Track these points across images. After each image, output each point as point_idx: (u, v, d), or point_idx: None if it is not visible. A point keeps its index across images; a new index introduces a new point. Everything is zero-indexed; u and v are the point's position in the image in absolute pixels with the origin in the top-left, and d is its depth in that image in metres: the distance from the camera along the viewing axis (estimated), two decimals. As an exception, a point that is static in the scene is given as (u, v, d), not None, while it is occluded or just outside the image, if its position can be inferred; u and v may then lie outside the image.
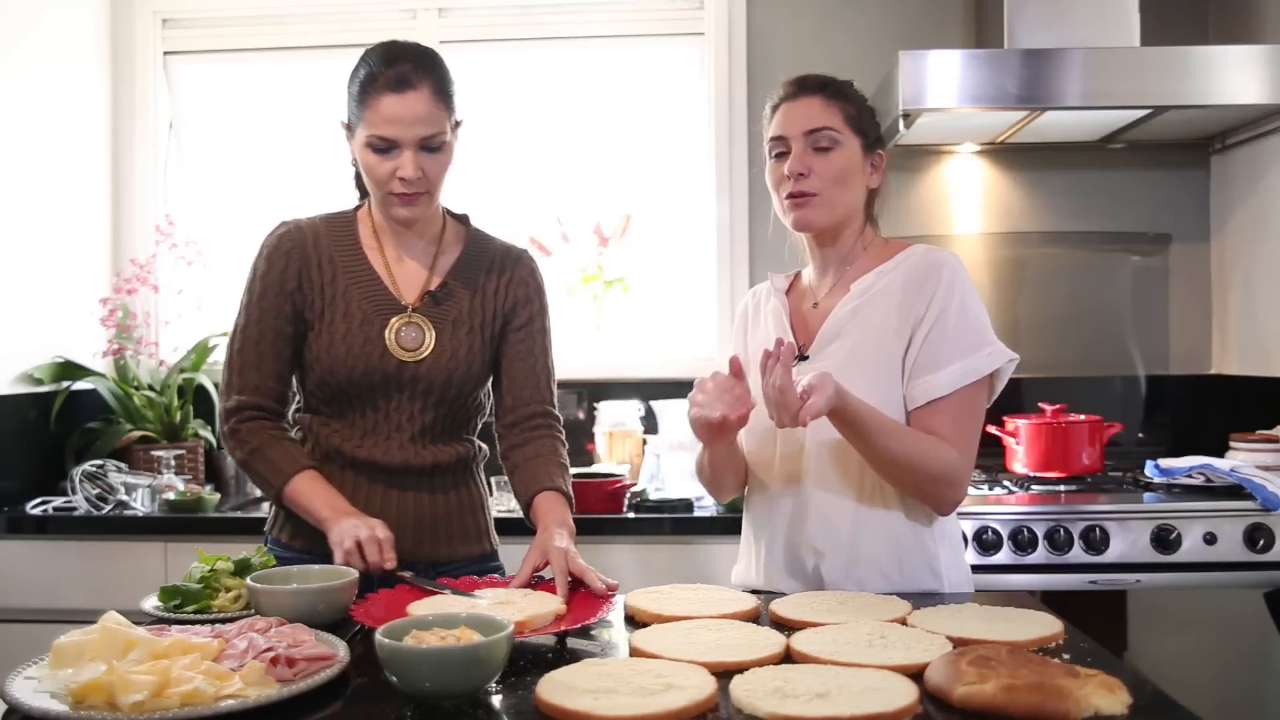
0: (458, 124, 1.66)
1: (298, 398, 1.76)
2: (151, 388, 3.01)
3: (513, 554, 1.85)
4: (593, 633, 1.36)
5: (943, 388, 1.52)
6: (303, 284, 1.68)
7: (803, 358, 1.62)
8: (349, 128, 1.65)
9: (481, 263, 1.74)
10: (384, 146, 1.58)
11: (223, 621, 1.34)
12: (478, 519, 1.77)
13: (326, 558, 1.55)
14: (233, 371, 1.69)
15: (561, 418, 1.81)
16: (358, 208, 1.76)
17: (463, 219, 1.79)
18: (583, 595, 1.46)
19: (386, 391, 1.66)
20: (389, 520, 1.58)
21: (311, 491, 1.62)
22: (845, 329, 1.58)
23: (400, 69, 1.57)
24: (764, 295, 1.76)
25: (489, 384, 1.78)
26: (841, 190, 1.59)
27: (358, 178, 1.75)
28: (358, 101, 1.60)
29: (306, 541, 1.67)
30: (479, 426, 1.81)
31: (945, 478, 1.51)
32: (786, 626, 1.34)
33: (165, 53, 3.27)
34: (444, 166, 1.64)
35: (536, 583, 1.53)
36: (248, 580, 1.40)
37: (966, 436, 1.53)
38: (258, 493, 2.98)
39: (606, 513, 2.54)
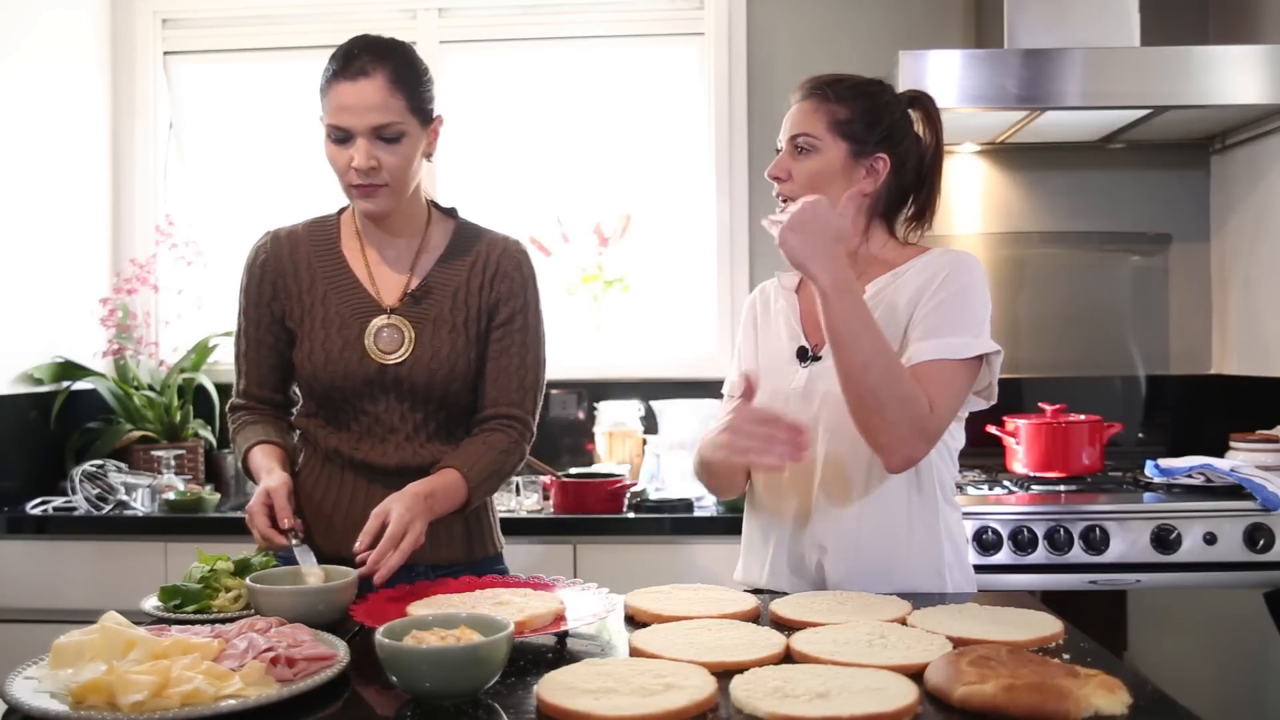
0: (432, 118, 1.64)
1: (298, 401, 1.76)
2: (151, 388, 3.01)
3: (518, 555, 1.85)
4: (592, 633, 1.36)
5: (922, 354, 1.50)
6: (279, 294, 1.69)
7: (815, 358, 1.62)
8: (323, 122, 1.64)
9: (466, 258, 1.71)
10: (339, 136, 1.57)
11: (223, 621, 1.34)
12: (481, 520, 1.75)
13: (319, 559, 1.55)
14: (236, 375, 1.75)
15: (531, 421, 1.71)
16: (342, 210, 1.75)
17: (450, 212, 1.77)
18: (578, 596, 1.47)
19: (372, 394, 1.65)
20: None
21: (252, 469, 1.65)
22: None
23: (358, 60, 1.56)
24: (773, 293, 1.76)
25: None
26: (814, 195, 1.57)
27: None
28: (321, 92, 1.60)
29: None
30: None
31: (910, 407, 1.44)
32: (786, 626, 1.34)
33: (165, 53, 3.27)
34: (405, 160, 1.60)
35: (532, 580, 1.53)
36: (248, 580, 1.40)
37: (938, 403, 1.48)
38: (258, 493, 2.99)
39: (606, 513, 2.54)
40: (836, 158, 1.59)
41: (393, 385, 1.65)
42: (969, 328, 1.53)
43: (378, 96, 1.55)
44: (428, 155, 1.67)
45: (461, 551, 1.71)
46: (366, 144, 1.56)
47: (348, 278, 1.68)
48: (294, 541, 1.51)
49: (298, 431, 1.74)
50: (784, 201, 1.60)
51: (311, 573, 1.43)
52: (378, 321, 1.65)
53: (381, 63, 1.57)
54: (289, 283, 1.68)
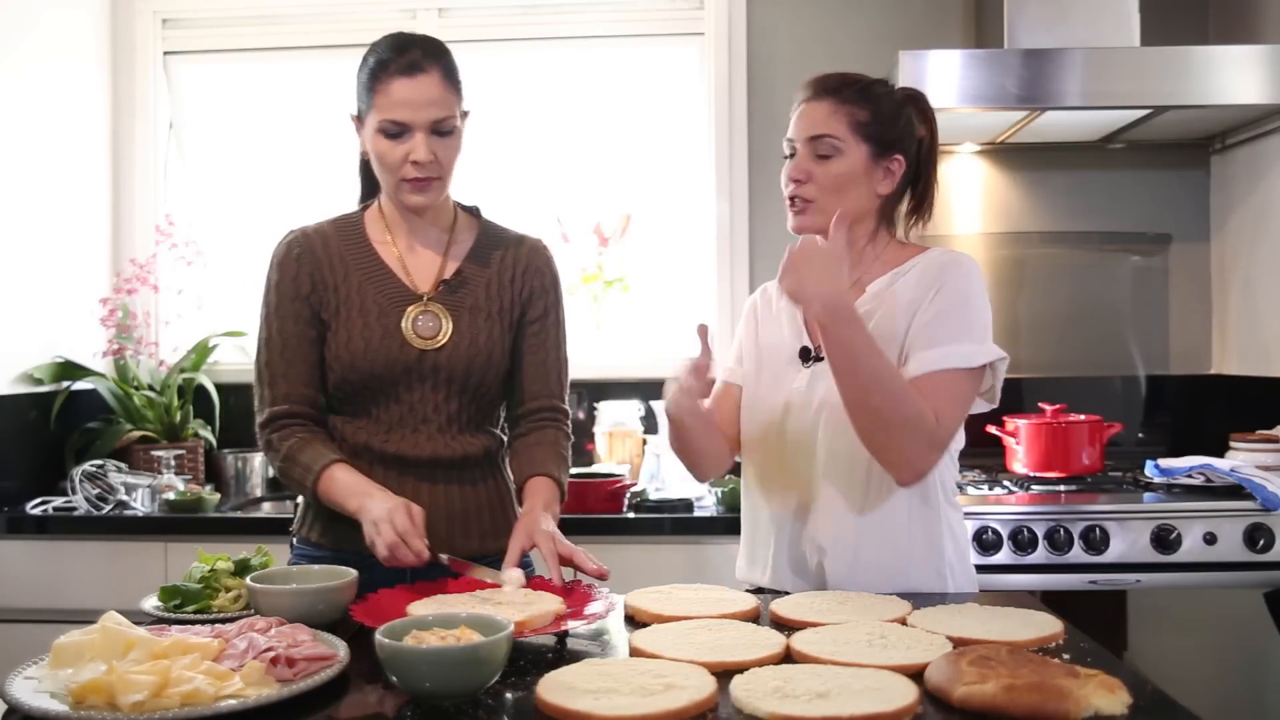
0: (465, 114, 1.67)
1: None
2: (151, 388, 3.01)
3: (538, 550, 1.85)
4: (592, 633, 1.36)
5: (928, 364, 1.50)
6: (316, 286, 1.68)
7: (818, 359, 1.61)
8: (359, 119, 1.65)
9: (496, 251, 1.75)
10: (396, 131, 1.59)
11: (223, 621, 1.34)
12: (506, 513, 1.75)
13: (357, 554, 1.53)
14: (263, 385, 1.68)
15: (570, 412, 1.81)
16: (364, 207, 1.76)
17: (473, 210, 1.80)
18: (581, 593, 1.46)
19: (409, 383, 1.66)
20: None
21: (338, 486, 1.58)
22: None
23: (411, 55, 1.59)
24: (775, 292, 1.76)
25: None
26: (837, 198, 1.57)
27: (364, 170, 1.76)
28: (368, 89, 1.61)
29: (335, 539, 1.66)
30: (502, 418, 1.80)
31: (916, 426, 1.45)
32: (786, 626, 1.34)
33: (165, 53, 3.26)
34: (455, 152, 1.64)
35: (534, 580, 1.53)
36: (247, 580, 1.40)
37: (944, 413, 1.49)
38: (258, 492, 2.98)
39: (606, 513, 2.54)
40: (860, 160, 1.58)
41: (430, 373, 1.66)
42: (973, 335, 1.53)
43: (437, 91, 1.59)
44: None
45: (490, 543, 1.70)
46: (425, 138, 1.59)
47: (381, 268, 1.69)
48: (444, 558, 1.51)
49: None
50: (797, 202, 1.60)
51: (510, 579, 1.47)
52: (414, 309, 1.66)
53: (435, 58, 1.61)
54: (325, 274, 1.68)
